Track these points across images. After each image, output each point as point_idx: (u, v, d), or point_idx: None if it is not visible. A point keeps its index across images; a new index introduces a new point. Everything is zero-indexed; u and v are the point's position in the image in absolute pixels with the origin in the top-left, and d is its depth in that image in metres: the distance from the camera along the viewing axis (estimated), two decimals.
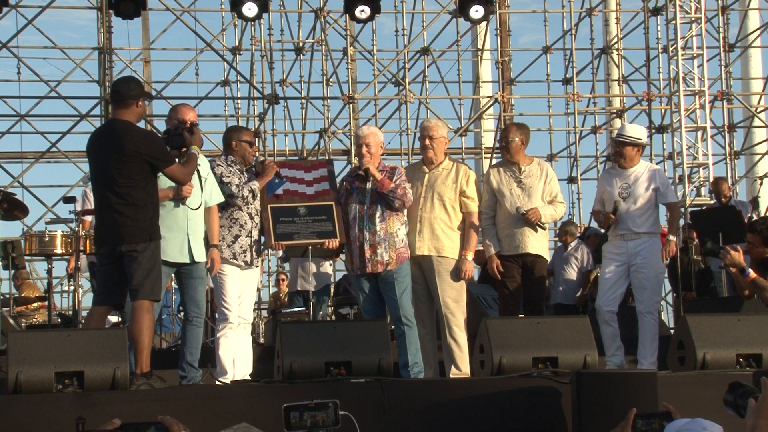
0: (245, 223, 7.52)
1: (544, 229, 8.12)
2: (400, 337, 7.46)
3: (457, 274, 7.72)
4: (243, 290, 7.53)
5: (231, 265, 7.41)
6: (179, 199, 6.94)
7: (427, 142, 7.89)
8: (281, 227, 7.76)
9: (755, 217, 12.35)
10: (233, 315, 7.40)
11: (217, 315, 7.49)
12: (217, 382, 7.12)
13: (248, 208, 7.54)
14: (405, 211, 7.67)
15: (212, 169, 7.38)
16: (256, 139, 17.59)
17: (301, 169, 8.08)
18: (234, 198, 7.42)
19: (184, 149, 6.71)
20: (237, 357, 7.42)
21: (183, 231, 6.99)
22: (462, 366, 7.62)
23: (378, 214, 7.53)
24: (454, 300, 7.73)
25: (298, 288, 13.40)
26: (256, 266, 7.68)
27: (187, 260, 7.01)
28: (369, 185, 7.59)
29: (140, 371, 6.23)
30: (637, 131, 8.40)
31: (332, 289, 14.41)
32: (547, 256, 8.25)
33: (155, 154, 6.38)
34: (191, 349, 7.08)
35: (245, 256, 7.50)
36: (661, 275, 8.36)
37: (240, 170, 7.57)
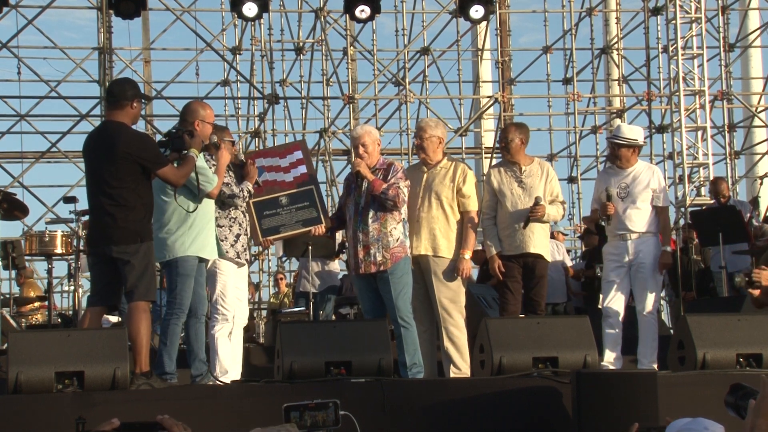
0: (242, 222, 7.54)
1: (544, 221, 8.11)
2: (398, 337, 7.43)
3: (454, 273, 7.70)
4: (239, 289, 7.55)
5: (231, 263, 7.43)
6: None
7: (417, 141, 7.87)
8: (266, 221, 7.74)
9: (755, 218, 12.36)
10: (231, 313, 7.41)
11: (214, 313, 7.48)
12: (218, 382, 7.12)
13: (242, 206, 7.57)
14: (403, 210, 7.55)
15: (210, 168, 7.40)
16: (257, 138, 17.67)
17: (276, 156, 8.00)
18: (236, 198, 7.43)
19: (184, 152, 6.72)
20: (231, 357, 7.43)
21: (212, 228, 7.18)
22: (460, 366, 7.60)
23: (371, 214, 7.44)
24: (451, 300, 7.70)
25: (301, 289, 13.42)
26: (245, 263, 7.71)
27: (216, 256, 7.17)
28: (364, 186, 7.53)
29: (139, 371, 6.24)
30: (632, 132, 8.36)
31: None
32: (548, 256, 8.23)
33: (146, 156, 6.38)
34: (202, 345, 7.16)
35: (246, 255, 7.55)
36: (660, 275, 8.34)
37: (227, 170, 7.59)
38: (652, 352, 8.07)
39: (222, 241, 7.35)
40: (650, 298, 8.12)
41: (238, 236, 7.48)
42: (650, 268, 8.09)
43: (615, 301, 8.10)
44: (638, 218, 8.11)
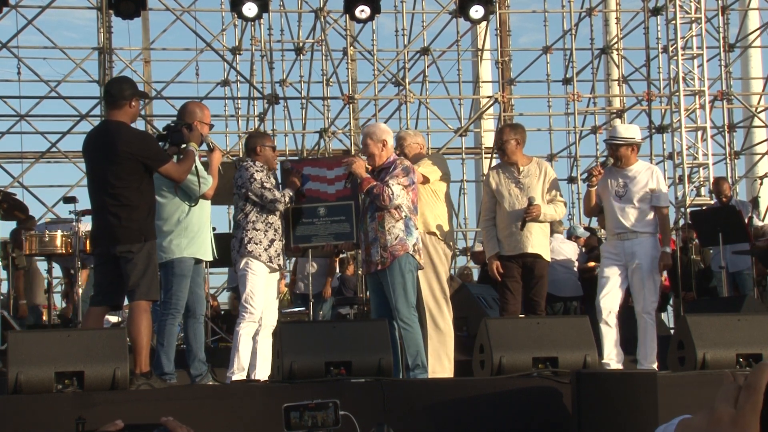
0: (278, 228, 7.55)
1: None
2: (401, 338, 7.39)
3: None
4: (268, 293, 7.53)
5: (264, 265, 7.41)
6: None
7: (398, 150, 7.89)
8: (300, 229, 7.79)
9: (755, 217, 12.36)
10: (258, 314, 7.40)
11: (241, 311, 7.47)
12: (218, 382, 7.13)
13: (281, 211, 7.59)
14: (406, 207, 7.35)
15: (253, 173, 7.42)
16: None
17: (324, 166, 8.03)
18: (277, 203, 7.43)
19: (183, 146, 6.73)
20: (260, 359, 7.43)
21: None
22: (441, 356, 7.63)
23: (369, 214, 7.43)
24: (428, 293, 7.79)
25: (296, 291, 13.40)
26: (277, 268, 7.69)
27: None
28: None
29: (140, 371, 6.24)
30: (629, 131, 8.37)
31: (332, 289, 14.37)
32: (548, 256, 8.21)
33: (148, 154, 6.37)
34: (201, 346, 7.19)
35: (279, 260, 7.54)
36: (658, 275, 8.33)
37: (268, 175, 7.62)
38: (652, 352, 8.07)
39: (256, 244, 7.36)
40: (648, 298, 8.11)
41: (272, 241, 7.48)
42: (648, 269, 8.08)
43: (610, 298, 8.06)
44: (636, 218, 8.10)
